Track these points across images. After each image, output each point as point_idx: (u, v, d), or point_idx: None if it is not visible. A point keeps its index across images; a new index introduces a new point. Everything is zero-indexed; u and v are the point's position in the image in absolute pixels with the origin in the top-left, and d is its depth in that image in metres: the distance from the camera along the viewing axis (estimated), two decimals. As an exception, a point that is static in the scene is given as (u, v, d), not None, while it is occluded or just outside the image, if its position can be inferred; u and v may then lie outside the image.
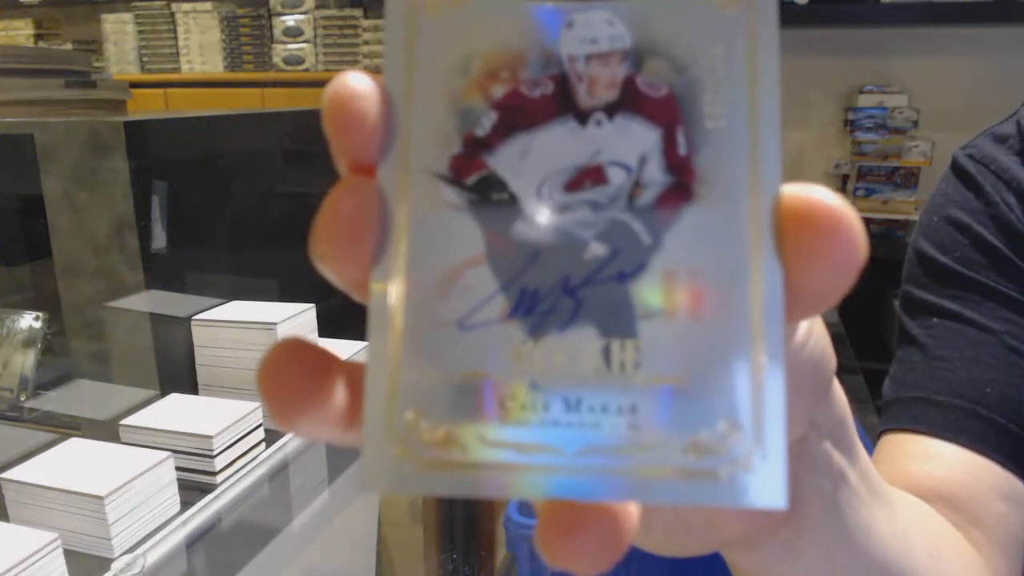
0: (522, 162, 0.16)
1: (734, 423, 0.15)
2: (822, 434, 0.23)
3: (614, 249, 0.16)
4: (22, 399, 0.87)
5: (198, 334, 0.85)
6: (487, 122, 0.16)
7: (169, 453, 0.67)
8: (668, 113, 0.16)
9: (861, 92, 2.01)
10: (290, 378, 0.16)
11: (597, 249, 0.16)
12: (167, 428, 0.71)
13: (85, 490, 0.60)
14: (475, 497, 0.15)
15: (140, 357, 0.86)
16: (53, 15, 2.81)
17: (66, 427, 0.83)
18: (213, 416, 0.73)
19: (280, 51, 2.46)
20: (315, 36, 2.44)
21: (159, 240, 0.86)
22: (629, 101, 0.16)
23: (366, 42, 2.43)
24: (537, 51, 0.16)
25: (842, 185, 2.06)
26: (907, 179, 1.97)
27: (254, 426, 0.76)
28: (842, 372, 0.22)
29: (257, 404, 0.76)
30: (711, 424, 0.15)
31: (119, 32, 2.63)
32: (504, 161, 0.16)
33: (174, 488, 0.67)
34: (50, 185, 0.84)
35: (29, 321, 0.89)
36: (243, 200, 1.06)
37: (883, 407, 0.50)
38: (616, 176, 0.16)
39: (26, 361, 0.87)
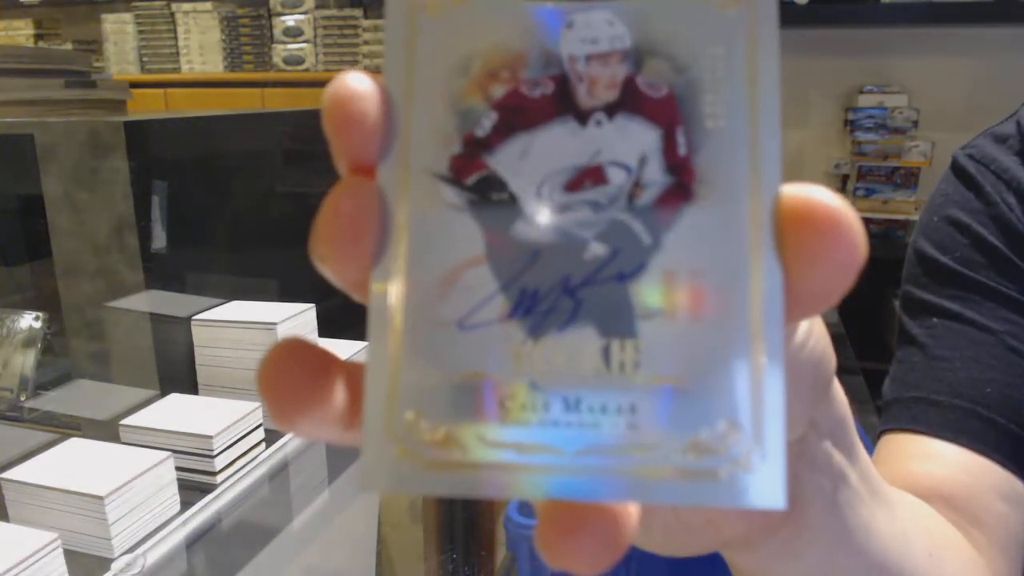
0: (522, 162, 0.16)
1: (734, 423, 0.15)
2: (822, 434, 0.23)
3: (614, 249, 0.16)
4: (22, 399, 0.87)
5: (198, 334, 0.85)
6: (487, 122, 0.16)
7: (169, 453, 0.67)
8: (668, 113, 0.16)
9: (861, 92, 2.01)
10: (290, 378, 0.16)
11: (597, 249, 0.16)
12: (167, 428, 0.71)
13: (85, 490, 0.60)
14: (475, 497, 0.15)
15: (140, 357, 0.86)
16: (53, 15, 2.81)
17: (66, 427, 0.83)
18: (213, 416, 0.73)
19: (280, 51, 2.46)
20: (315, 36, 2.44)
21: (159, 240, 0.86)
22: (629, 101, 0.16)
23: (366, 42, 2.43)
24: (537, 51, 0.16)
25: (842, 185, 2.06)
26: (907, 179, 1.97)
27: (254, 426, 0.76)
28: (842, 372, 0.22)
29: (257, 404, 0.76)
30: (711, 424, 0.15)
31: (119, 32, 2.63)
32: (504, 161, 0.16)
33: (174, 488, 0.67)
34: (50, 185, 0.84)
35: (29, 321, 0.89)
36: (243, 200, 1.06)
37: (883, 407, 0.50)
38: (616, 176, 0.16)
39: (26, 361, 0.87)
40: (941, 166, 0.57)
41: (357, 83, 0.16)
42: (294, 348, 0.16)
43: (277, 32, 2.46)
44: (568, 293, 0.16)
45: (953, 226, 0.51)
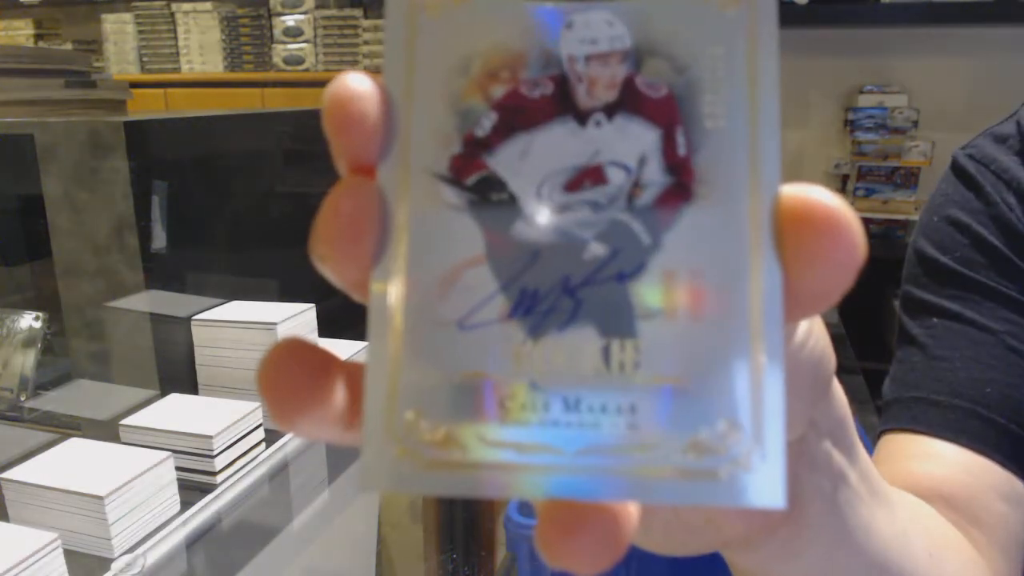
0: (522, 162, 0.16)
1: (733, 423, 0.15)
2: (822, 434, 0.23)
3: (614, 249, 0.16)
4: (22, 399, 0.87)
5: (198, 334, 0.85)
6: (487, 122, 0.16)
7: (169, 453, 0.67)
8: (668, 113, 0.16)
9: (861, 92, 2.01)
10: (290, 378, 0.16)
11: (597, 249, 0.16)
12: (167, 428, 0.71)
13: (85, 490, 0.60)
14: (475, 497, 0.15)
15: (140, 357, 0.86)
16: (53, 15, 2.81)
17: (66, 427, 0.83)
18: (213, 416, 0.73)
19: (280, 51, 2.46)
20: (315, 36, 2.44)
21: (159, 240, 0.86)
22: (629, 101, 0.16)
23: (366, 42, 2.43)
24: (537, 51, 0.16)
25: (842, 185, 2.06)
26: (907, 179, 1.97)
27: (254, 426, 0.76)
28: (842, 372, 0.22)
29: (257, 404, 0.76)
30: (711, 424, 0.15)
31: (119, 32, 2.63)
32: (504, 161, 0.16)
33: (174, 488, 0.67)
34: (50, 185, 0.84)
35: (29, 321, 0.89)
36: (243, 200, 1.06)
37: (883, 407, 0.50)
38: (616, 176, 0.16)
39: (26, 361, 0.87)
40: (941, 166, 0.57)
41: (357, 83, 0.16)
42: (294, 348, 0.16)
43: (277, 32, 2.46)
44: (568, 293, 0.16)
45: (953, 226, 0.51)
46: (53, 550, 0.54)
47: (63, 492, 0.61)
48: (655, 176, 0.16)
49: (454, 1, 0.17)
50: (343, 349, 0.85)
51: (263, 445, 0.78)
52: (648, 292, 0.16)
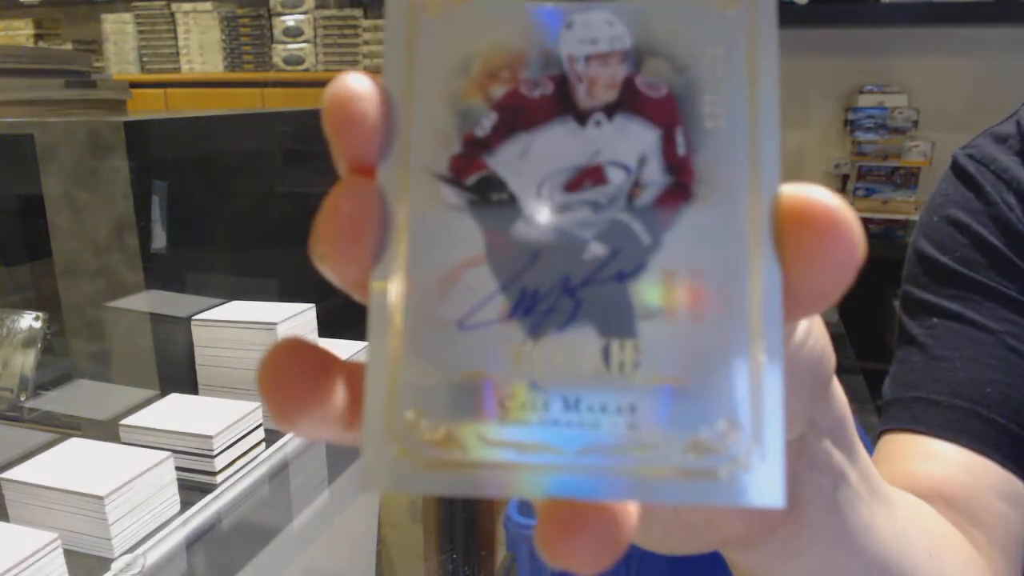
0: (522, 162, 0.16)
1: (733, 422, 0.15)
2: (822, 433, 0.23)
3: (614, 249, 0.16)
4: (22, 399, 0.87)
5: (198, 334, 0.85)
6: (487, 122, 0.16)
7: (169, 453, 0.67)
8: (667, 113, 0.16)
9: (861, 92, 2.01)
10: (290, 378, 0.16)
11: (597, 249, 0.16)
12: (167, 428, 0.71)
13: (85, 490, 0.60)
14: (475, 497, 0.15)
15: (140, 357, 0.86)
16: (53, 15, 2.81)
17: (66, 427, 0.83)
18: (213, 416, 0.73)
19: (280, 51, 2.46)
20: (315, 36, 2.44)
21: (159, 240, 0.86)
22: (629, 101, 0.16)
23: (366, 42, 2.43)
24: (537, 51, 0.16)
25: (842, 185, 2.06)
26: (907, 179, 1.97)
27: (254, 426, 0.76)
28: (842, 372, 0.22)
29: (257, 404, 0.76)
30: (710, 423, 0.15)
31: (119, 32, 2.63)
32: (504, 161, 0.16)
33: (174, 488, 0.67)
34: (50, 185, 0.84)
35: (29, 321, 0.89)
36: (243, 200, 1.06)
37: (883, 407, 0.50)
38: (616, 176, 0.16)
39: (26, 361, 0.87)
40: (941, 166, 0.57)
41: (357, 83, 0.16)
42: (294, 348, 0.16)
43: (277, 32, 2.46)
44: (568, 293, 0.16)
45: (953, 226, 0.51)
46: (53, 550, 0.54)
47: (63, 492, 0.61)
48: (655, 176, 0.16)
49: (454, 1, 0.17)
50: (343, 349, 0.85)
51: (263, 445, 0.78)
52: (648, 292, 0.16)
